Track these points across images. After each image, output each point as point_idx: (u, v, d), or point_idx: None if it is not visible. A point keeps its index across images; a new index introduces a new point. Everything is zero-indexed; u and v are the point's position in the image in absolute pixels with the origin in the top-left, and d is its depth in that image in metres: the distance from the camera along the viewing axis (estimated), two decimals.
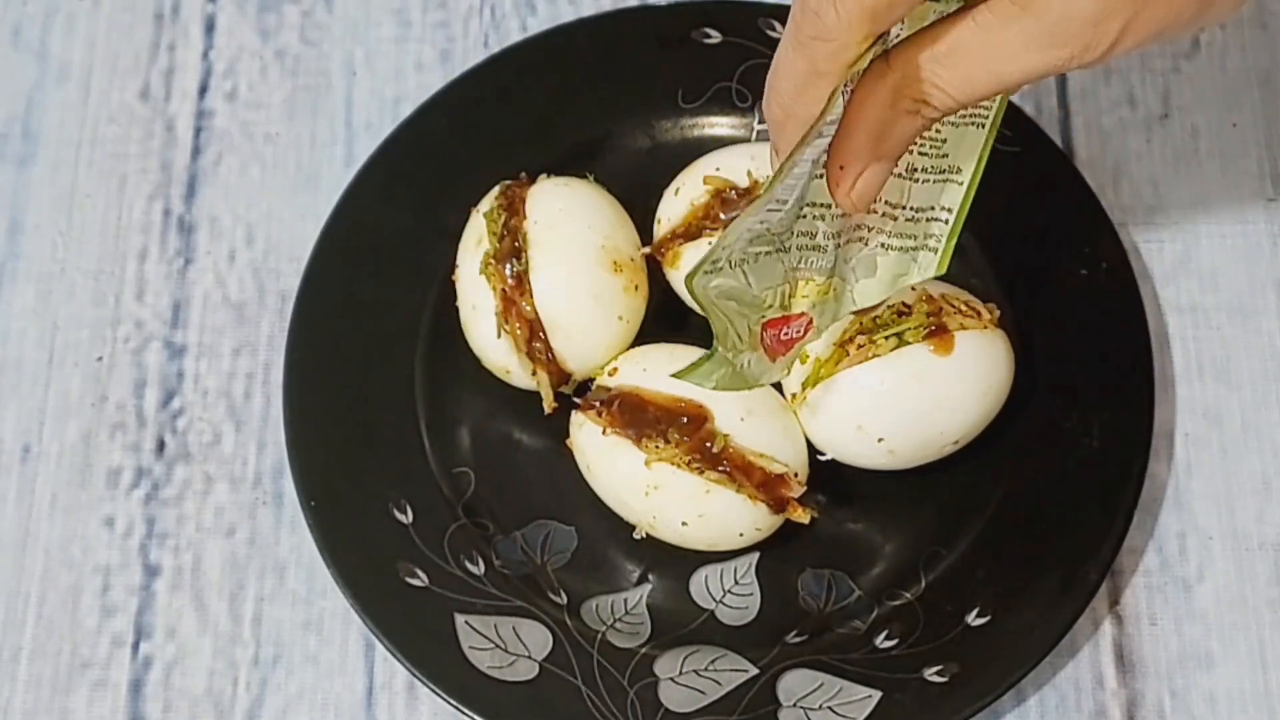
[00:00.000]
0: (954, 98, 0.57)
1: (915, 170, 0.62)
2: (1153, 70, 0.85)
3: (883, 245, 0.63)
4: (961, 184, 0.62)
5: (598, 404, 0.73)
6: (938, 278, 0.64)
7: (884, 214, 0.62)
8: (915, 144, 0.62)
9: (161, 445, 0.78)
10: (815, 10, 0.55)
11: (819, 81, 0.56)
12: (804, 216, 0.60)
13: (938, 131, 0.62)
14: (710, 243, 0.75)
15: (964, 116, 0.62)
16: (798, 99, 0.57)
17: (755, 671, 0.71)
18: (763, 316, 0.62)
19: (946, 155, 0.61)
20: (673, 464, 0.71)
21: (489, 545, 0.74)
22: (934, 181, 0.62)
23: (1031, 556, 0.72)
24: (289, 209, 0.83)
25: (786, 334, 0.63)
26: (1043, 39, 0.55)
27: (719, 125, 0.82)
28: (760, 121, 0.81)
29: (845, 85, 0.56)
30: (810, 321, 0.64)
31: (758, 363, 0.63)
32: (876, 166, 0.59)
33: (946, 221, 0.62)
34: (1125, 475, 0.73)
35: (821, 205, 0.60)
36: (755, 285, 0.60)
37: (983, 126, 0.61)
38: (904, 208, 0.62)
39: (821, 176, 0.59)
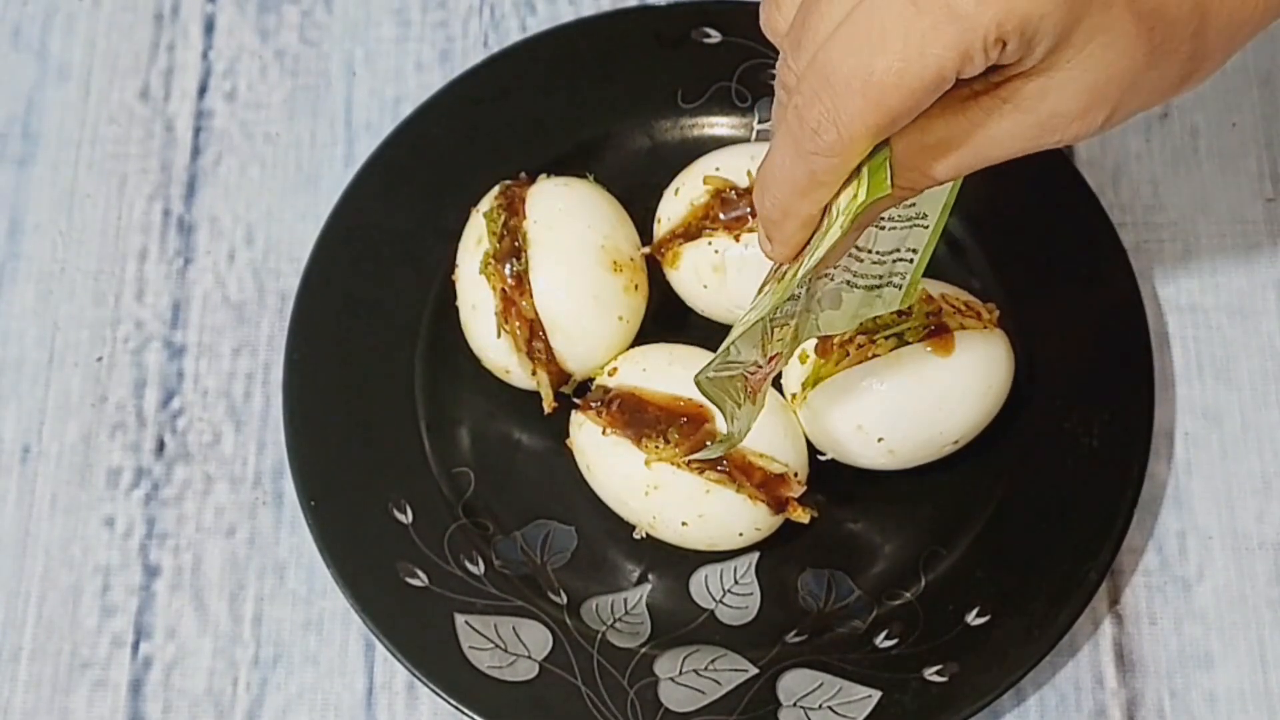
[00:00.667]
0: (939, 181, 0.58)
1: (884, 219, 0.62)
2: None
3: (848, 283, 0.63)
4: (927, 228, 0.62)
5: (597, 404, 0.73)
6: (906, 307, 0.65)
7: (851, 255, 0.62)
8: None
9: (161, 445, 0.78)
10: (815, 129, 0.54)
11: (819, 190, 0.56)
12: (784, 277, 0.61)
13: None
14: (710, 242, 0.75)
15: None
16: (796, 202, 0.57)
17: (755, 671, 0.71)
18: (747, 371, 0.63)
19: (915, 205, 0.62)
20: (672, 464, 0.71)
21: (489, 545, 0.74)
22: (901, 228, 0.62)
23: (1031, 556, 0.72)
24: (289, 209, 0.83)
25: (759, 374, 0.63)
26: (1032, 130, 0.56)
27: (719, 125, 0.82)
28: (760, 121, 0.81)
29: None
30: (779, 355, 0.64)
31: (745, 412, 0.64)
32: (857, 231, 0.60)
33: (911, 261, 0.63)
34: (1125, 475, 0.73)
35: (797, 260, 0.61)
36: (744, 352, 0.61)
37: None
38: (871, 251, 0.62)
39: None
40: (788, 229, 0.58)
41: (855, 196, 0.56)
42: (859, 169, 0.56)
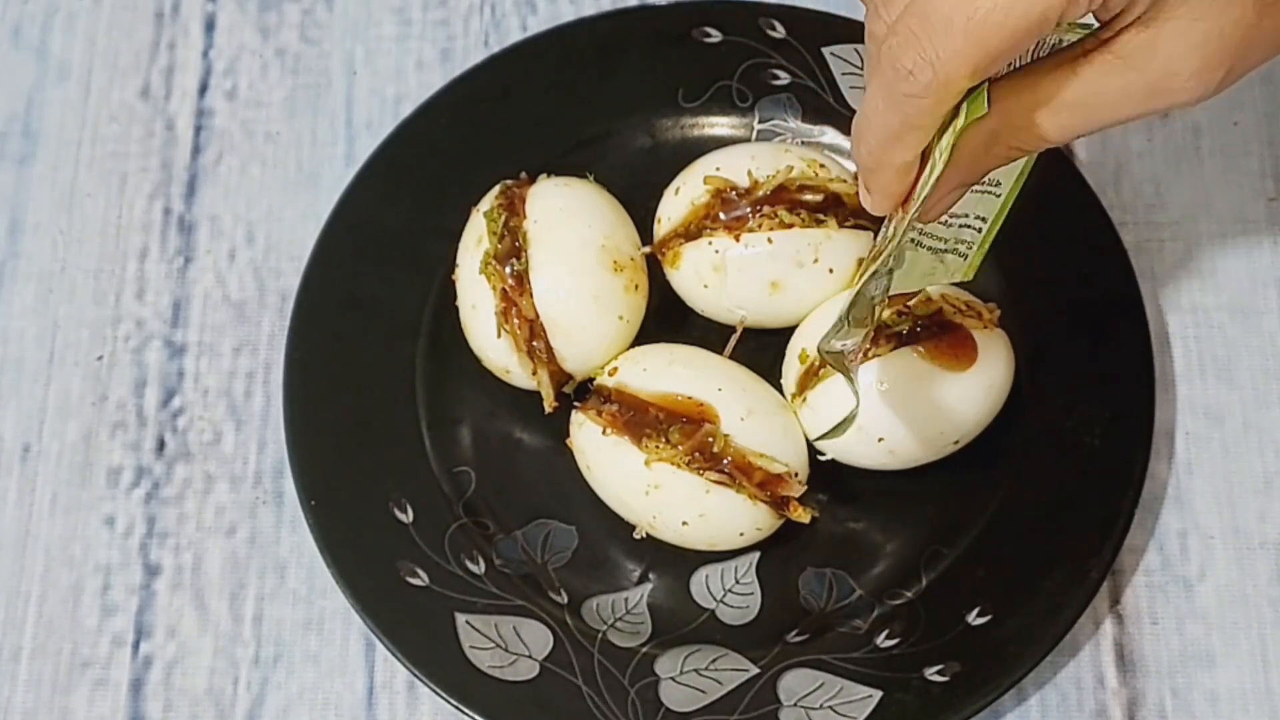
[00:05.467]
0: (1050, 141, 0.58)
1: None
2: None
3: (913, 240, 0.63)
4: (999, 196, 0.62)
5: (598, 404, 0.73)
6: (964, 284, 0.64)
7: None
8: None
9: (162, 444, 0.78)
10: (910, 70, 0.54)
11: (913, 134, 0.56)
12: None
13: None
14: (710, 242, 0.75)
15: None
16: (890, 148, 0.57)
17: (756, 671, 0.71)
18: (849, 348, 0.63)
19: None
20: (673, 464, 0.71)
21: (489, 544, 0.74)
22: (973, 191, 0.62)
23: (1032, 556, 0.72)
24: (289, 208, 0.83)
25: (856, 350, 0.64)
26: (1145, 91, 0.56)
27: (719, 125, 0.82)
28: (760, 121, 0.81)
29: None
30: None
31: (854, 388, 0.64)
32: (958, 191, 0.60)
33: (979, 230, 0.62)
34: (1126, 474, 0.73)
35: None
36: (854, 327, 0.61)
37: None
38: None
39: None
40: (883, 178, 0.58)
41: (954, 128, 0.56)
42: (956, 110, 0.56)
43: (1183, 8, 0.54)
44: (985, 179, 0.61)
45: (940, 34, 0.53)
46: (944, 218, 0.62)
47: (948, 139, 0.56)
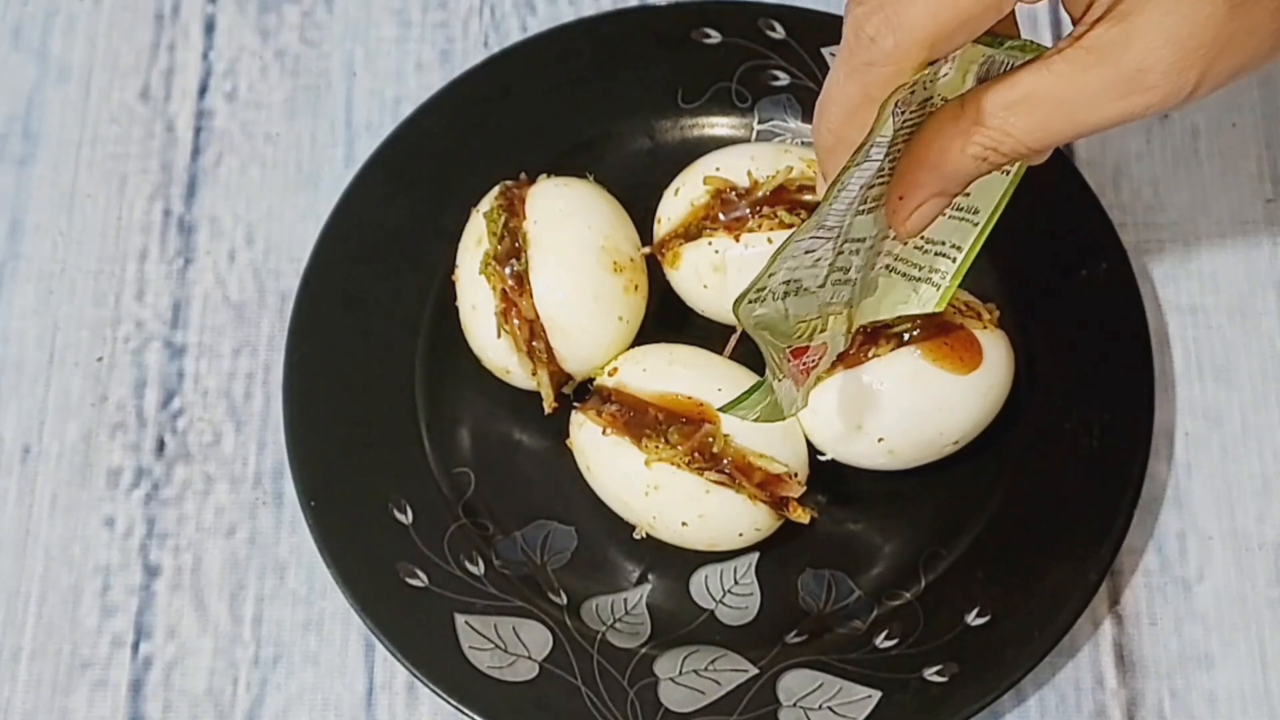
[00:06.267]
0: (1026, 145, 0.57)
1: None
2: None
3: (886, 267, 0.63)
4: (976, 224, 0.62)
5: (598, 404, 0.73)
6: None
7: (894, 236, 0.62)
8: None
9: (161, 445, 0.78)
10: (872, 36, 0.55)
11: (870, 107, 0.56)
12: (841, 253, 0.60)
13: None
14: (710, 242, 0.75)
15: None
16: (848, 124, 0.57)
17: (755, 671, 0.71)
18: (790, 345, 0.62)
19: (969, 194, 0.61)
20: (672, 464, 0.71)
21: (489, 545, 0.74)
22: (950, 217, 0.61)
23: (1031, 556, 0.72)
24: (289, 209, 0.83)
25: (806, 362, 0.63)
26: (1120, 88, 0.55)
27: (719, 125, 0.82)
28: (760, 121, 0.81)
29: (896, 106, 0.56)
30: (826, 346, 0.64)
31: (786, 392, 0.63)
32: (936, 201, 0.59)
33: (954, 260, 0.62)
34: (1125, 475, 0.73)
35: (857, 240, 0.60)
36: (791, 318, 0.61)
37: (1008, 173, 0.61)
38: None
39: (863, 213, 0.59)
40: (840, 157, 0.58)
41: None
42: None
43: (1152, 1, 0.54)
44: (963, 206, 0.61)
45: (904, 1, 0.54)
46: (920, 242, 0.62)
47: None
